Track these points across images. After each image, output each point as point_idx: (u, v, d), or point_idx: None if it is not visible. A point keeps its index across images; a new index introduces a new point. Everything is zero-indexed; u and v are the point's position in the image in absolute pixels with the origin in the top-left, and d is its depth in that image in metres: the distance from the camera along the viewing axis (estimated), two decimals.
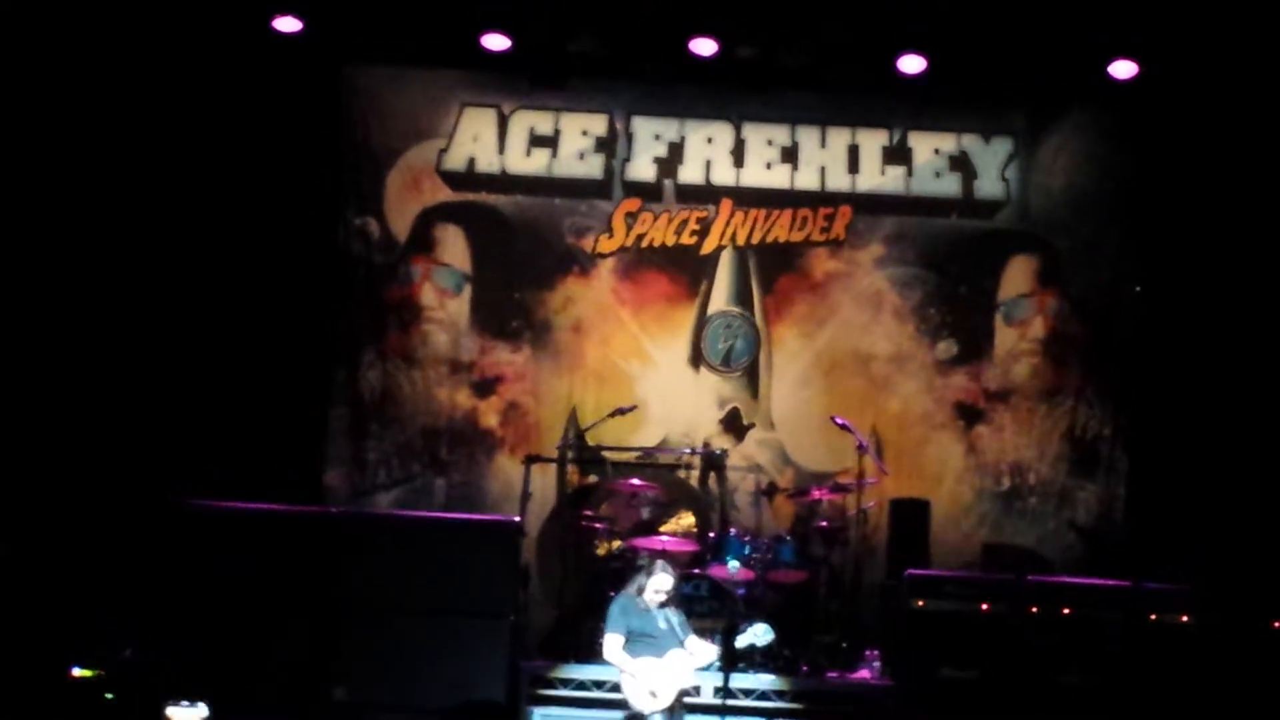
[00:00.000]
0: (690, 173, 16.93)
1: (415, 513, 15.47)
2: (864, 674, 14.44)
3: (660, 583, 12.54)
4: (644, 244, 16.83)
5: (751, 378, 16.80)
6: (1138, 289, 16.57)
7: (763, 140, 16.93)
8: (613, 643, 12.43)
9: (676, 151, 16.95)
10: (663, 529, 15.55)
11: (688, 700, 12.74)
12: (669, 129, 16.97)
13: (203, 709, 11.87)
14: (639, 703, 12.33)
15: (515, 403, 16.70)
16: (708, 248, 16.85)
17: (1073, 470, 16.58)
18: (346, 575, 13.76)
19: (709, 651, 12.49)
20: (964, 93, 16.72)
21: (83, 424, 15.13)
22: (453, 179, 16.90)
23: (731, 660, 12.42)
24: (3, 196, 15.05)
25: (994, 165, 16.87)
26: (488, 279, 16.87)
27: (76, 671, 12.86)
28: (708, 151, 16.95)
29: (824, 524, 15.43)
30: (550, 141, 16.95)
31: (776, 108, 16.93)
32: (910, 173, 16.92)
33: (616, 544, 15.43)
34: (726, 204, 16.84)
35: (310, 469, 16.34)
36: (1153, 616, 14.04)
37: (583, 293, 16.82)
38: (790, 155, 16.92)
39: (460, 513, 15.53)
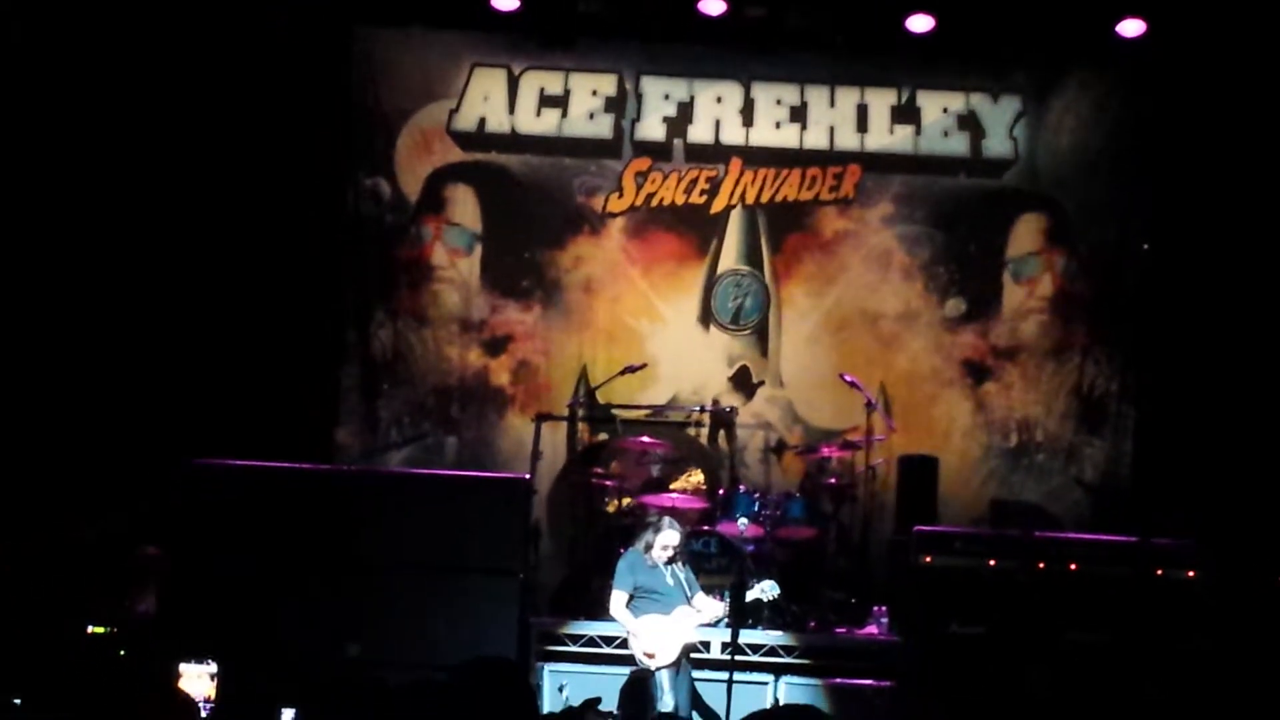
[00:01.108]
0: (699, 132, 16.95)
1: (426, 470, 15.55)
2: (872, 630, 14.52)
3: (668, 539, 12.63)
4: (654, 203, 16.87)
5: (761, 336, 16.85)
6: (1145, 247, 16.59)
7: (772, 99, 16.94)
8: (618, 599, 12.54)
9: (686, 111, 16.96)
10: (672, 486, 15.61)
11: (695, 656, 12.86)
12: (678, 88, 16.98)
13: (210, 666, 11.93)
14: (646, 658, 12.44)
15: (526, 361, 16.77)
16: (717, 207, 16.89)
17: (1080, 427, 16.64)
18: (358, 533, 13.82)
19: (716, 607, 12.60)
20: (972, 52, 16.71)
21: (96, 384, 15.21)
22: (463, 139, 16.94)
23: (740, 616, 12.48)
24: (12, 160, 15.10)
25: (1002, 124, 16.87)
26: (498, 238, 16.92)
27: (91, 629, 12.97)
28: (717, 111, 16.96)
29: (833, 481, 15.52)
30: (560, 101, 16.97)
31: (785, 67, 16.92)
32: (919, 131, 16.92)
33: (626, 501, 15.51)
34: (736, 163, 16.87)
35: (322, 428, 16.41)
36: (1159, 572, 14.06)
37: (593, 252, 16.87)
38: (799, 114, 16.93)
39: (471, 470, 15.57)
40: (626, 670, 12.92)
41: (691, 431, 16.64)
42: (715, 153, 16.92)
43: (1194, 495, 15.23)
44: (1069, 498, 16.56)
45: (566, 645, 13.97)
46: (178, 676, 11.91)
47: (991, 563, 14.18)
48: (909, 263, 16.83)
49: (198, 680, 11.93)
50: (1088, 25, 16.11)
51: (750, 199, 16.87)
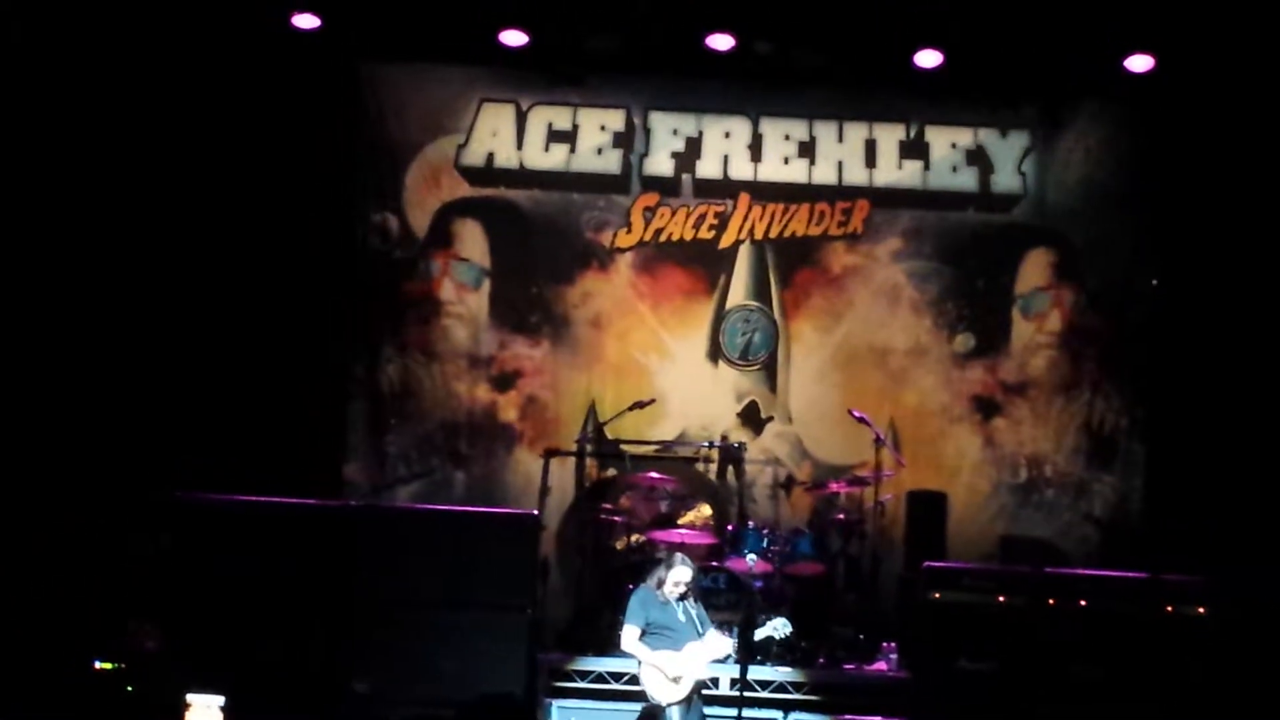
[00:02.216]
0: (708, 167, 16.97)
1: (434, 506, 15.58)
2: (881, 666, 14.47)
3: (679, 575, 12.56)
4: (662, 238, 16.88)
5: (769, 371, 16.85)
6: (1154, 282, 16.58)
7: (780, 135, 16.97)
8: (630, 634, 12.47)
9: (694, 146, 16.99)
10: (681, 522, 15.55)
11: (705, 692, 12.80)
12: (686, 124, 17.01)
13: (218, 699, 11.92)
14: (657, 694, 12.39)
15: (534, 397, 16.77)
16: (725, 242, 16.90)
17: (1090, 463, 16.64)
18: (366, 568, 13.82)
19: (726, 644, 12.54)
20: (981, 87, 16.73)
21: (106, 419, 15.21)
22: (471, 174, 16.96)
23: (749, 652, 12.43)
24: (26, 192, 15.13)
25: (1010, 159, 16.89)
26: (506, 274, 16.94)
27: (98, 664, 12.94)
28: (725, 146, 16.98)
29: (841, 516, 15.50)
30: (568, 137, 16.99)
31: (794, 102, 16.98)
32: (927, 167, 16.95)
33: (635, 537, 15.46)
34: (744, 198, 16.88)
35: (330, 463, 16.42)
36: (1169, 608, 14.03)
37: (601, 287, 16.88)
38: (808, 150, 16.96)
39: (479, 506, 15.51)
40: (635, 706, 12.84)
41: (700, 467, 16.61)
42: (723, 188, 16.93)
43: (1204, 531, 15.18)
44: (1078, 534, 16.55)
45: (575, 681, 13.92)
46: (185, 709, 11.90)
47: (1001, 599, 14.14)
48: (918, 298, 16.83)
49: (205, 713, 11.92)
50: (1096, 60, 16.12)
51: (759, 234, 16.87)
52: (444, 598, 13.77)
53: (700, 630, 12.53)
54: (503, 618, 13.80)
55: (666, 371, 16.80)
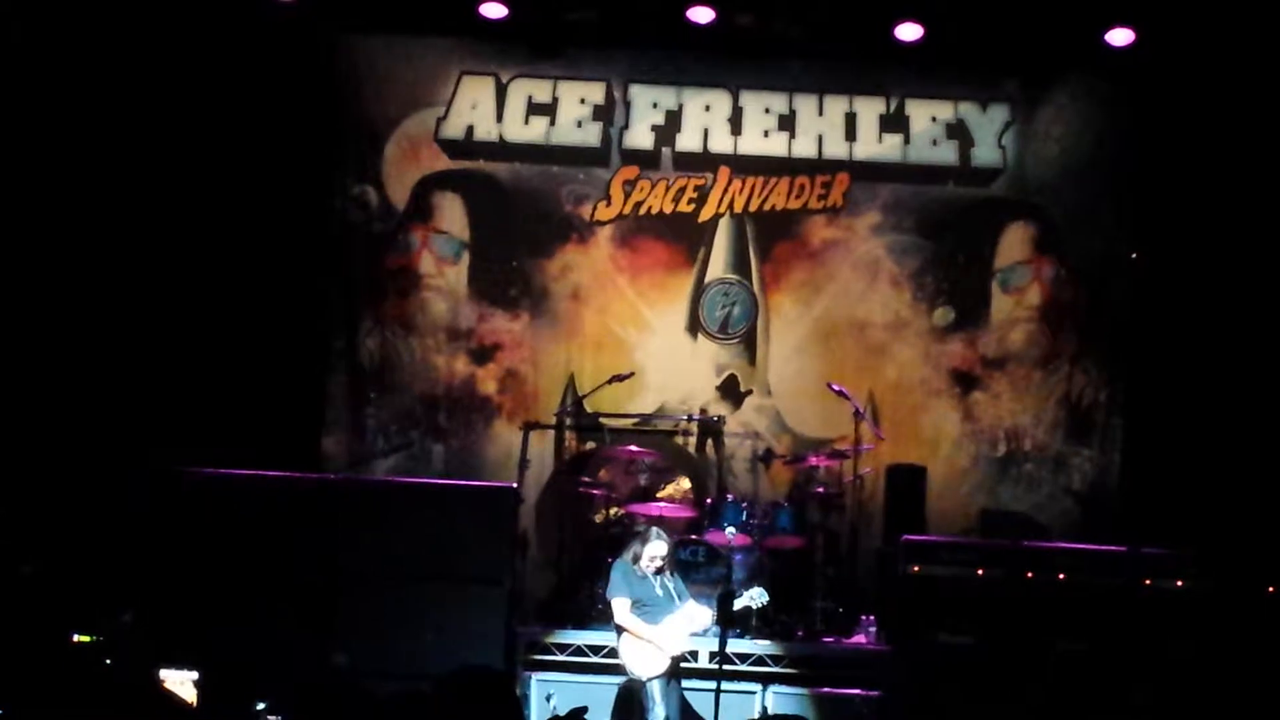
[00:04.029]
0: (688, 140, 16.93)
1: (413, 479, 15.47)
2: (860, 639, 14.53)
3: (655, 549, 12.61)
4: (642, 211, 16.85)
5: (749, 345, 16.84)
6: (1134, 255, 16.59)
7: (760, 108, 16.93)
8: (621, 606, 12.48)
9: (674, 119, 16.94)
10: (660, 495, 15.58)
11: (684, 665, 12.83)
12: (666, 97, 16.97)
13: (192, 674, 11.88)
14: (636, 668, 12.41)
15: (513, 370, 16.75)
16: (705, 215, 16.88)
17: (1068, 436, 16.65)
18: (345, 541, 13.80)
19: (705, 616, 12.56)
20: (961, 60, 16.69)
21: (83, 392, 15.17)
22: (451, 147, 16.92)
23: (728, 625, 12.44)
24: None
25: (991, 133, 16.87)
26: (486, 247, 16.91)
27: (76, 637, 12.91)
28: (705, 119, 16.94)
29: (821, 490, 15.52)
30: (548, 109, 16.95)
31: (774, 75, 16.93)
32: (907, 140, 16.93)
33: (614, 510, 15.51)
34: (724, 171, 16.86)
35: (309, 436, 16.40)
36: (1148, 581, 14.06)
37: (581, 260, 16.85)
38: (788, 123, 16.91)
39: (458, 479, 15.52)
40: (614, 680, 12.90)
41: (679, 440, 16.64)
42: (703, 161, 16.90)
43: (1183, 504, 15.24)
44: (1057, 507, 16.56)
45: (553, 654, 13.97)
46: (159, 684, 11.86)
47: (979, 572, 14.16)
48: (897, 271, 16.82)
49: (179, 688, 11.87)
50: (1077, 34, 16.09)
51: (738, 207, 16.85)
52: (423, 571, 13.74)
53: (678, 603, 12.58)
54: (481, 591, 13.77)
55: (646, 345, 16.78)
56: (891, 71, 16.82)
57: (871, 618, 14.59)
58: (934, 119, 16.92)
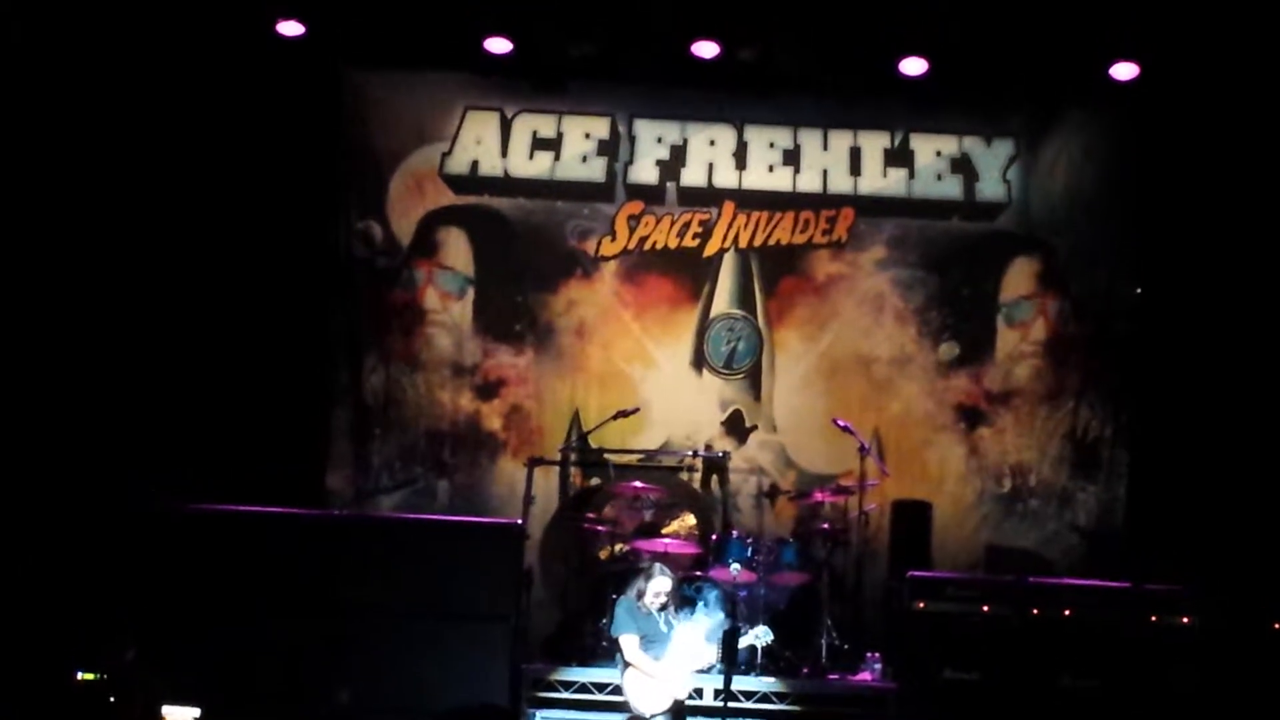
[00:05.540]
0: (692, 175, 16.95)
1: (418, 515, 15.47)
2: (865, 676, 14.45)
3: (659, 585, 12.58)
4: (646, 247, 16.85)
5: (754, 380, 16.82)
6: (1138, 290, 16.58)
7: (765, 142, 16.95)
8: (630, 643, 12.44)
9: (679, 154, 16.97)
10: (665, 531, 15.55)
11: (689, 703, 12.78)
12: (671, 131, 17.00)
13: (195, 711, 11.87)
14: (640, 705, 12.37)
15: (518, 406, 16.73)
16: (710, 250, 16.88)
17: (1074, 472, 16.61)
18: (349, 578, 13.76)
19: (709, 654, 12.53)
20: (965, 95, 16.72)
21: (86, 426, 15.15)
22: (455, 182, 16.93)
23: (732, 662, 12.41)
24: (8, 195, 15.08)
25: (995, 167, 16.88)
26: (491, 282, 16.90)
27: (80, 675, 12.89)
28: (710, 154, 16.97)
29: (826, 526, 15.45)
30: (553, 144, 16.97)
31: (778, 110, 16.95)
32: (912, 175, 16.94)
33: (619, 546, 15.49)
34: (729, 206, 16.86)
35: (313, 472, 16.37)
36: (1154, 618, 14.05)
37: (585, 296, 16.85)
38: (792, 157, 16.94)
39: (463, 515, 15.54)
40: (618, 717, 12.85)
41: (684, 476, 16.59)
42: (708, 196, 16.91)
43: (1188, 541, 15.20)
44: (1063, 543, 16.51)
45: (558, 691, 13.90)
46: None
47: (985, 608, 14.14)
48: (902, 306, 16.81)
49: None
50: (1081, 69, 16.11)
51: (743, 242, 16.86)
52: (427, 607, 13.71)
53: (682, 640, 12.54)
54: (486, 628, 13.73)
55: (650, 380, 16.76)
56: (896, 106, 16.84)
57: (877, 654, 14.50)
58: (938, 153, 16.93)
